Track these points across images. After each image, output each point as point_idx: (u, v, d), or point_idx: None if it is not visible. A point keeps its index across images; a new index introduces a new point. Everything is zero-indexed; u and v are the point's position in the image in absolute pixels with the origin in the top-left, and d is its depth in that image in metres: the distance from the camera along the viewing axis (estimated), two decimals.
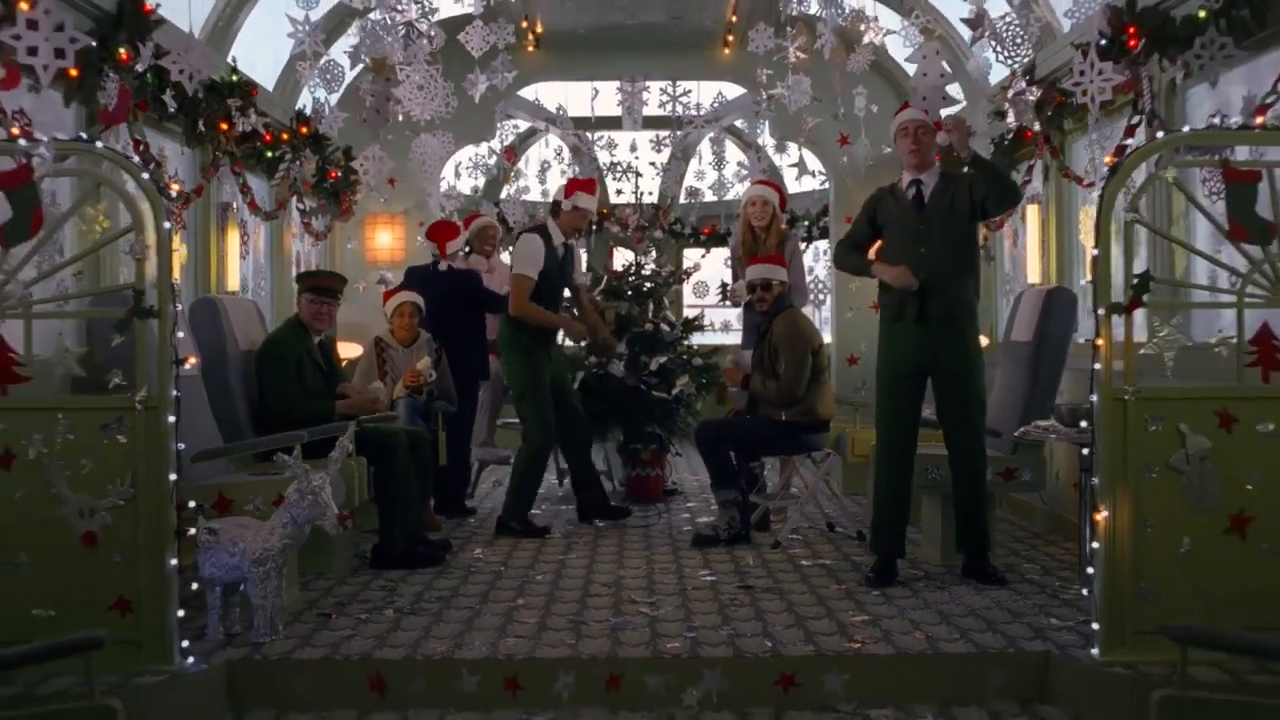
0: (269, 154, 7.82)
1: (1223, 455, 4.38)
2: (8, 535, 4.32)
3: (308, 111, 8.49)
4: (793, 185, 11.00)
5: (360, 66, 7.22)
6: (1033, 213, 7.67)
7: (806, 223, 12.72)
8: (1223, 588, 4.37)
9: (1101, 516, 4.37)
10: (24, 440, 4.33)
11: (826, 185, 11.23)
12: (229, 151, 7.19)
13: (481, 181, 13.16)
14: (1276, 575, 4.38)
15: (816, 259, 12.42)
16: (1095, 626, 4.41)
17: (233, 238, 7.47)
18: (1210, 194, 5.14)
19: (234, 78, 7.17)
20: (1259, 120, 4.55)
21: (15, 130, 4.42)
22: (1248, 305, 4.44)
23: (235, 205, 7.60)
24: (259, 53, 8.37)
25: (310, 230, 9.23)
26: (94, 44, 5.21)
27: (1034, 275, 7.69)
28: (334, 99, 7.91)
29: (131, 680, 4.18)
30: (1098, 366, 4.37)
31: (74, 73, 4.77)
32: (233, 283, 7.47)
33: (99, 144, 4.41)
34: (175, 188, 5.94)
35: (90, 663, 3.15)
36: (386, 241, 10.28)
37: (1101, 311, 4.37)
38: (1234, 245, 4.43)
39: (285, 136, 8.12)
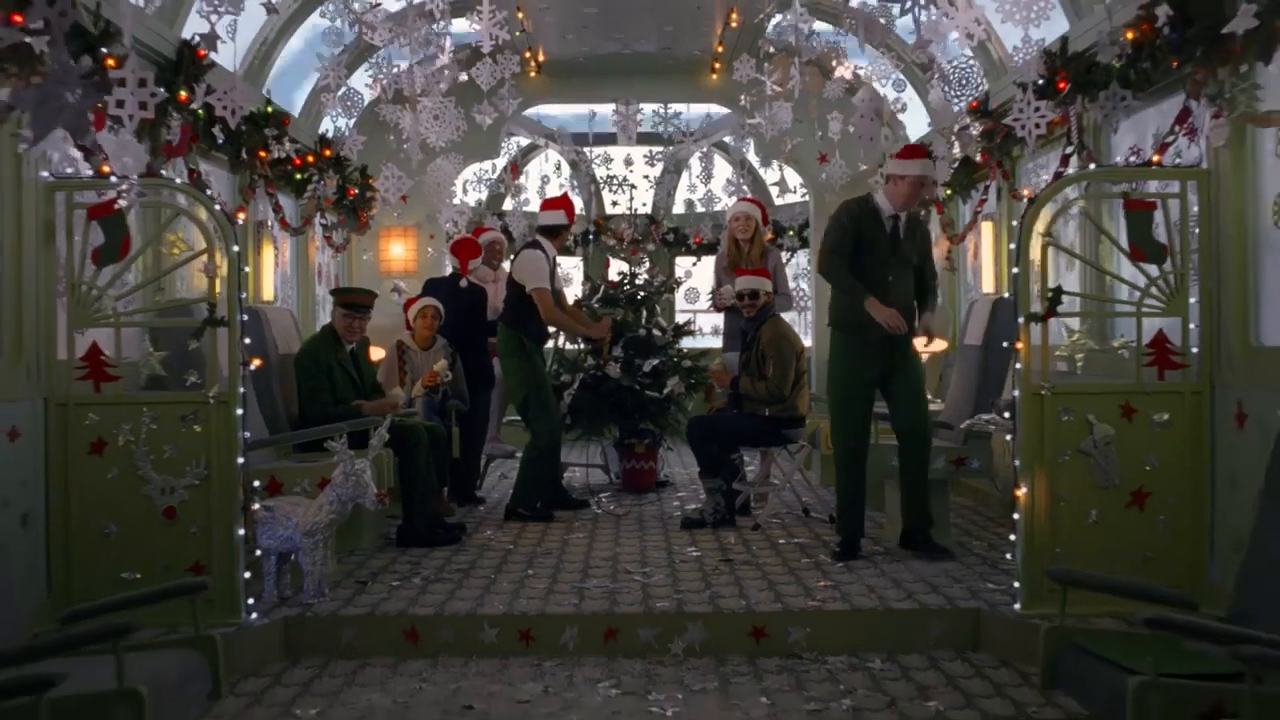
0: (298, 176, 8.62)
1: (1124, 441, 5.20)
2: (101, 510, 5.13)
3: (330, 135, 9.32)
4: (777, 198, 11.81)
5: (377, 95, 8.07)
6: (987, 229, 8.49)
7: (791, 233, 13.54)
8: (1125, 552, 5.19)
9: (1021, 493, 5.19)
10: (114, 430, 5.13)
11: (807, 199, 12.08)
12: (264, 175, 7.99)
13: (485, 195, 14.01)
14: (1169, 542, 5.20)
15: (798, 273, 13.23)
16: (1017, 585, 5.23)
17: (267, 252, 8.28)
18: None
19: (269, 109, 7.97)
20: (1155, 159, 5.37)
21: (105, 168, 5.22)
22: (1146, 314, 5.27)
23: (269, 222, 8.40)
24: (287, 79, 9.21)
25: (331, 243, 10.04)
26: (165, 93, 6.00)
27: (988, 285, 8.51)
28: (352, 123, 8.80)
29: (205, 631, 4.97)
30: (1018, 366, 5.19)
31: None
32: (267, 293, 8.27)
33: (177, 179, 5.21)
34: (242, 216, 6.73)
35: (195, 602, 3.94)
36: (400, 253, 11.09)
37: (1021, 320, 5.19)
38: (1134, 264, 5.26)
39: (311, 159, 8.92)
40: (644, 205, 14.63)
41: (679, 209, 14.90)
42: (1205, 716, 3.26)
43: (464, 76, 7.42)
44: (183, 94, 6.35)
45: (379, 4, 7.39)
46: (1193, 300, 5.23)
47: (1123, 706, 3.33)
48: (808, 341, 11.13)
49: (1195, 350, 5.25)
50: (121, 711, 3.25)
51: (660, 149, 12.12)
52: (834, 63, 8.15)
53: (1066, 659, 3.85)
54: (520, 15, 9.02)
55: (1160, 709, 3.28)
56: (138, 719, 3.27)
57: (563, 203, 8.05)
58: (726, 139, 13.44)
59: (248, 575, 5.22)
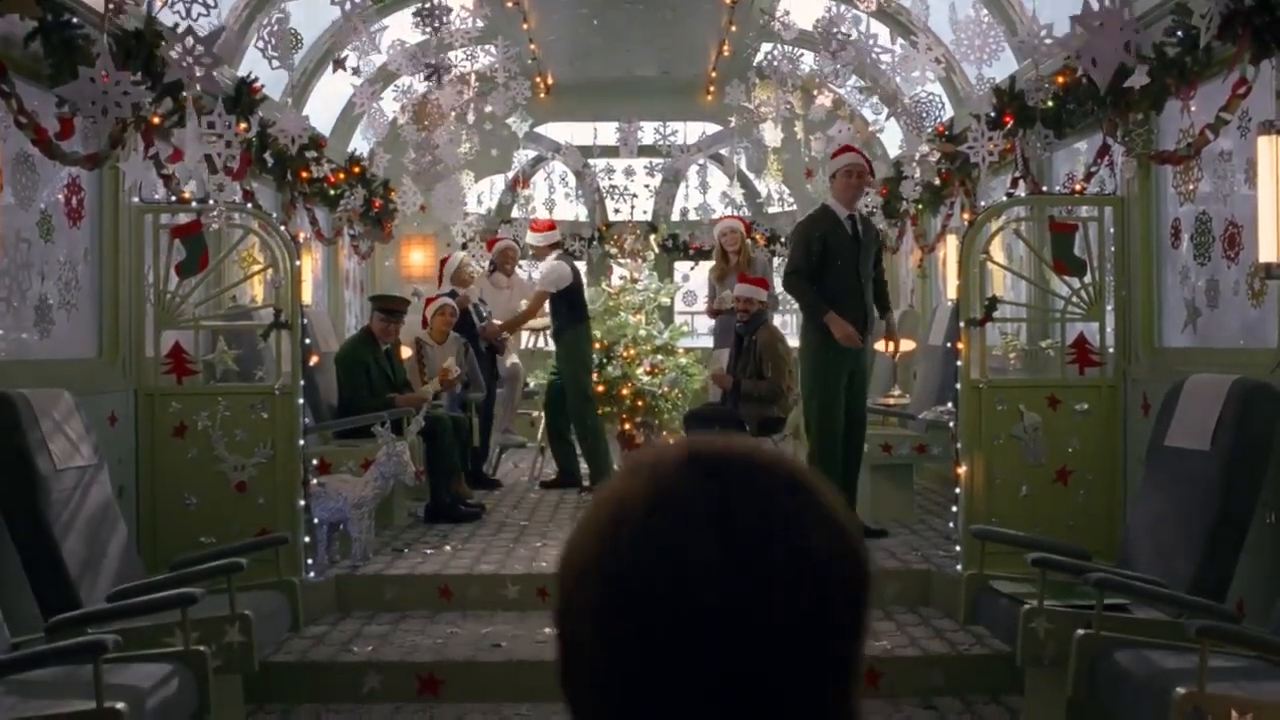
0: (332, 193, 9.55)
1: (1050, 427, 6.10)
2: (182, 484, 6.04)
3: (359, 153, 10.27)
4: (771, 208, 12.78)
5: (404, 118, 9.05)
6: (953, 241, 9.41)
7: (781, 240, 14.48)
8: (1050, 520, 6.07)
9: (962, 471, 6.10)
10: (194, 416, 6.04)
11: (795, 209, 13.02)
12: (303, 192, 8.92)
13: (495, 205, 14.95)
14: (1088, 512, 6.10)
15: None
16: (959, 549, 6.15)
17: (306, 261, 9.20)
18: None
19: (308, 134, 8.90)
20: (1078, 187, 6.30)
21: (186, 194, 6.14)
22: (1069, 320, 6.19)
23: (305, 235, 9.32)
24: (317, 98, 10.12)
25: (357, 251, 10.97)
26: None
27: (953, 292, 9.42)
28: (377, 142, 9.86)
29: (286, 578, 5.88)
30: (960, 364, 6.12)
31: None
32: (306, 298, 9.19)
33: (249, 204, 6.15)
34: (301, 235, 7.66)
35: (279, 553, 4.86)
36: (419, 259, 12.05)
37: (963, 324, 6.12)
38: (1059, 277, 6.19)
39: (342, 176, 9.85)
40: (645, 213, 15.56)
41: (675, 216, 15.81)
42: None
43: (487, 106, 8.36)
44: (241, 125, 7.27)
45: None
46: (1108, 308, 6.15)
47: (1016, 628, 4.27)
48: (793, 342, 12.10)
49: (1110, 350, 6.17)
50: (237, 628, 4.19)
51: (660, 160, 13.06)
52: (814, 92, 9.09)
53: (981, 598, 4.79)
54: (531, 46, 9.96)
55: (1043, 630, 4.22)
56: (248, 636, 4.21)
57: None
58: (722, 151, 14.36)
59: (306, 540, 6.15)
